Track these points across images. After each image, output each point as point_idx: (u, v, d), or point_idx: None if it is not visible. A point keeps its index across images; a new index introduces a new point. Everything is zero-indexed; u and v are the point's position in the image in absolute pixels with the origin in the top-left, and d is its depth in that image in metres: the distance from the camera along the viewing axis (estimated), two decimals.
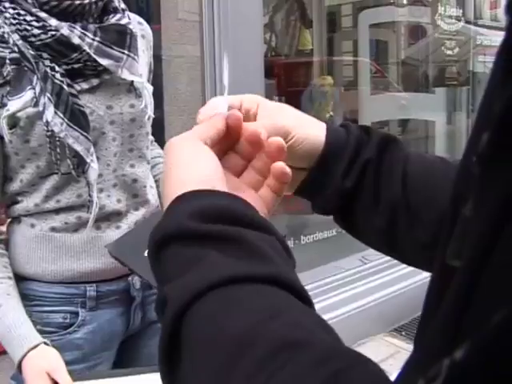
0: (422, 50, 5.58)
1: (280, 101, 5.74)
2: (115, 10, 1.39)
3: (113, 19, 1.36)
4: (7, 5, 1.28)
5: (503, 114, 0.31)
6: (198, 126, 0.65)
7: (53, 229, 1.35)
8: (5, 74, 1.26)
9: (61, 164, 1.28)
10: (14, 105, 1.26)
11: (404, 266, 2.84)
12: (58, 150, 1.27)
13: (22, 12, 1.26)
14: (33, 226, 1.36)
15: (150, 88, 1.47)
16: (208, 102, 0.72)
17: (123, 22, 1.37)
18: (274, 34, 6.43)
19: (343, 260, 3.83)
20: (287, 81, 6.15)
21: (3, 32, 1.27)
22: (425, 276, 3.69)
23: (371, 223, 0.73)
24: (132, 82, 1.37)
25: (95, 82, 1.33)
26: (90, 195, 1.30)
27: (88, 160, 1.27)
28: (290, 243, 3.51)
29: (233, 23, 2.65)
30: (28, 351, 1.23)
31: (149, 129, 1.46)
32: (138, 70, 1.39)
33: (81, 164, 1.28)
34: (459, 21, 4.91)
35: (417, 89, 5.56)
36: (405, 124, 5.50)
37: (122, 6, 1.43)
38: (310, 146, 0.71)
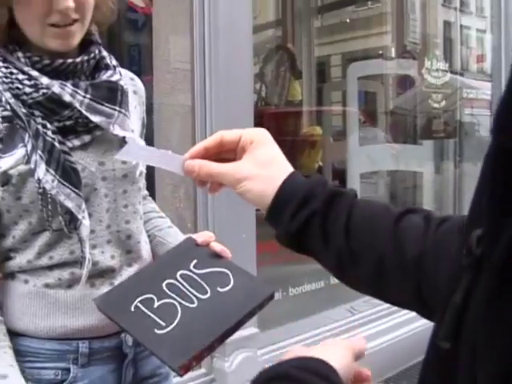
0: (410, 100, 5.64)
1: None
2: (107, 67, 1.40)
3: (104, 76, 1.37)
4: (0, 64, 1.29)
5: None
6: None
7: (46, 285, 1.34)
8: None
9: (52, 221, 1.28)
10: (5, 162, 1.26)
11: (393, 317, 2.82)
12: (50, 206, 1.26)
13: (15, 71, 1.27)
14: (26, 282, 1.34)
15: (142, 143, 1.47)
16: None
17: (114, 78, 1.38)
18: (263, 84, 6.51)
19: (332, 311, 3.82)
20: (276, 130, 6.19)
21: None
22: (413, 327, 3.69)
23: (323, 261, 0.87)
24: (124, 137, 1.37)
25: (87, 138, 1.34)
26: (82, 251, 1.29)
27: (79, 217, 1.27)
28: (278, 295, 3.51)
29: (224, 73, 2.68)
30: None
31: (142, 184, 1.47)
32: (129, 125, 1.39)
33: (72, 221, 1.27)
34: (446, 73, 4.99)
35: (405, 140, 5.62)
36: (393, 174, 5.53)
37: (114, 62, 1.43)
38: (255, 198, 0.88)
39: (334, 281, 3.76)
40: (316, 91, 8.09)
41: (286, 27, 8.24)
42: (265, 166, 0.89)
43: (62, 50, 1.30)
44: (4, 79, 1.27)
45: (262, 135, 0.92)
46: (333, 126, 7.05)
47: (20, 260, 1.34)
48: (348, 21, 11.54)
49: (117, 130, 1.35)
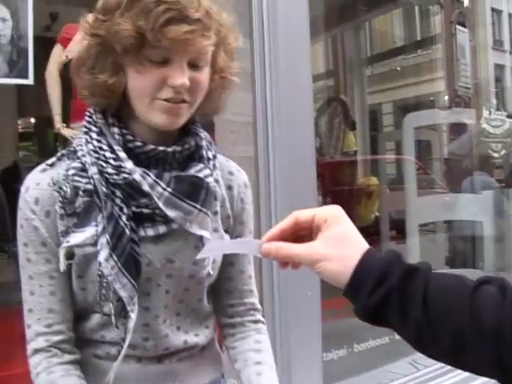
0: (464, 146, 5.61)
1: (324, 201, 5.79)
2: (200, 159, 1.34)
3: (193, 170, 1.31)
4: (94, 136, 1.28)
5: None
6: None
7: (95, 355, 1.35)
8: (76, 205, 1.26)
9: (104, 305, 1.26)
10: (75, 238, 1.24)
11: (457, 372, 2.75)
12: (104, 291, 1.25)
13: (105, 147, 1.26)
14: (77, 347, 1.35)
15: (226, 237, 1.41)
16: None
17: (202, 174, 1.31)
18: (318, 135, 6.53)
19: (396, 364, 3.76)
20: (332, 180, 6.20)
21: (85, 162, 1.27)
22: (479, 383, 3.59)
23: (401, 333, 0.89)
24: (202, 237, 1.32)
25: (162, 229, 1.29)
26: (123, 340, 1.28)
27: (129, 308, 1.25)
28: (343, 351, 3.48)
29: (286, 123, 2.71)
30: None
31: (207, 283, 1.41)
32: (209, 224, 1.34)
33: (123, 310, 1.25)
34: (505, 121, 4.94)
35: (462, 188, 5.55)
36: (451, 224, 5.47)
37: (210, 153, 1.38)
38: (333, 278, 0.91)
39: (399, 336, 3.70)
40: (370, 140, 8.12)
41: (338, 78, 8.33)
42: (340, 245, 0.91)
43: (166, 127, 1.26)
44: (93, 153, 1.27)
45: (336, 213, 0.94)
46: (388, 174, 7.03)
47: (75, 330, 1.34)
48: (398, 68, 11.61)
49: (194, 228, 1.30)
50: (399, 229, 5.78)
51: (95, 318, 1.31)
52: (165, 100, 1.23)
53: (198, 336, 1.43)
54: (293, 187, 2.69)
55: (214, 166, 1.37)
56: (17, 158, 6.50)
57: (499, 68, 8.74)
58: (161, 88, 1.22)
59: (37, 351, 1.28)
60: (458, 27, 5.90)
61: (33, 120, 9.84)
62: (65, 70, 3.62)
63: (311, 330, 2.68)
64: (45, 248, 1.27)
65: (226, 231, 1.43)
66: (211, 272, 1.36)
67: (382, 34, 11.28)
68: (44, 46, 3.62)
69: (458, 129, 5.79)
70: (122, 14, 1.19)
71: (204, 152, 1.36)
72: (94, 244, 1.24)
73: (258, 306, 1.56)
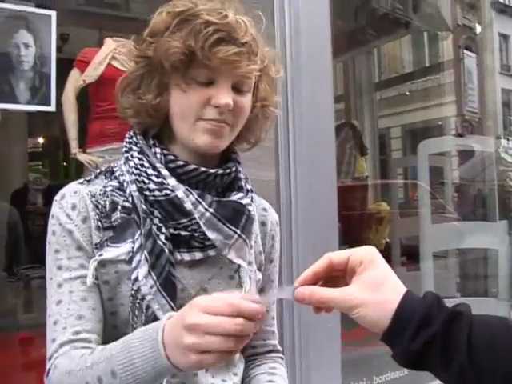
0: (474, 171, 5.59)
1: None
2: (239, 189, 1.34)
3: (234, 197, 1.31)
4: (135, 154, 1.28)
5: None
6: None
7: None
8: (113, 219, 1.25)
9: (136, 327, 1.18)
10: (109, 252, 1.23)
11: None
12: (137, 312, 1.21)
13: (146, 164, 1.26)
14: None
15: (257, 278, 1.40)
16: None
17: (244, 201, 1.31)
18: None
19: None
20: (342, 205, 6.14)
21: (124, 180, 1.27)
22: None
23: (443, 378, 0.87)
24: (237, 268, 1.31)
25: (198, 256, 1.27)
26: None
27: None
28: (363, 383, 3.44)
29: (307, 146, 2.68)
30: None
31: None
32: (247, 254, 1.32)
33: None
34: None
35: (477, 216, 5.53)
36: (466, 252, 5.42)
37: (248, 186, 1.38)
38: (370, 324, 0.88)
39: None
40: (380, 165, 8.10)
41: (348, 102, 8.33)
42: (377, 290, 0.89)
43: (208, 149, 1.27)
44: (134, 170, 1.26)
45: (371, 255, 0.92)
46: (399, 201, 7.01)
47: None
48: (407, 93, 11.61)
49: (231, 255, 1.28)
50: (410, 256, 5.75)
51: None
52: (208, 120, 1.23)
53: (225, 382, 1.36)
54: (314, 211, 2.67)
55: (252, 199, 1.37)
56: (27, 179, 6.48)
57: (506, 92, 8.77)
58: (205, 108, 1.23)
59: (56, 358, 1.19)
60: (465, 52, 5.92)
61: (41, 140, 9.86)
62: (81, 95, 3.63)
63: (331, 362, 2.64)
64: (80, 252, 1.24)
65: (259, 269, 1.42)
66: None
67: (392, 58, 11.31)
68: (56, 65, 3.64)
69: (466, 154, 5.79)
70: (172, 34, 1.21)
71: (243, 183, 1.36)
72: (129, 262, 1.22)
73: (279, 347, 1.54)
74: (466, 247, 5.19)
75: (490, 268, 5.26)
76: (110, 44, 3.68)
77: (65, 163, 8.25)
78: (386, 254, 6.03)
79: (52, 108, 2.30)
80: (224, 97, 1.22)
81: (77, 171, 3.96)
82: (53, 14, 2.28)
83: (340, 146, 6.52)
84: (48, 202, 6.00)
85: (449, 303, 0.89)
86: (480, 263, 5.42)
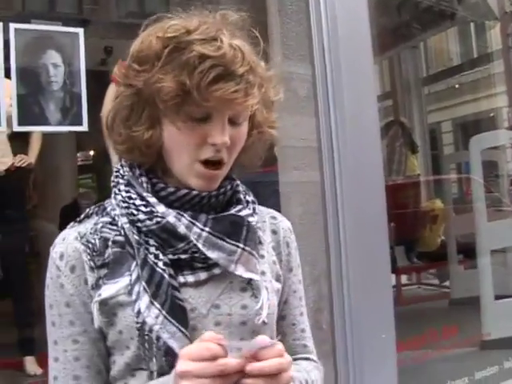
0: None
1: (388, 226, 5.65)
2: (238, 202, 1.28)
3: (232, 210, 1.25)
4: (122, 187, 1.23)
5: None
6: None
7: None
8: (105, 256, 1.20)
9: (150, 361, 1.14)
10: (107, 290, 1.17)
11: None
12: (147, 345, 1.14)
13: (134, 196, 1.21)
14: None
15: (275, 287, 1.31)
16: None
17: (242, 213, 1.25)
18: None
19: None
20: (395, 204, 6.06)
21: (115, 214, 1.22)
22: None
23: None
24: (249, 280, 1.23)
25: (203, 275, 1.20)
26: None
27: None
28: None
29: (352, 146, 2.62)
30: None
31: (266, 335, 1.18)
32: (256, 266, 1.24)
33: (175, 364, 1.09)
34: None
35: None
36: None
37: (249, 198, 1.33)
38: None
39: (479, 376, 3.57)
40: (432, 161, 7.97)
41: (396, 99, 8.22)
42: None
43: (201, 190, 1.21)
44: (122, 203, 1.20)
45: None
46: (452, 194, 6.88)
47: None
48: (456, 86, 11.44)
49: (240, 271, 1.20)
50: (467, 254, 5.62)
51: (141, 378, 1.17)
52: (204, 161, 1.17)
53: None
54: (361, 212, 2.62)
55: (254, 209, 1.30)
56: (76, 194, 6.55)
57: None
58: (201, 146, 1.17)
59: None
60: None
61: (92, 153, 9.98)
62: None
63: (387, 373, 2.57)
64: (69, 309, 1.20)
65: (277, 280, 1.33)
66: (266, 320, 1.22)
67: (438, 51, 11.15)
68: (99, 79, 3.64)
69: None
70: (162, 66, 1.13)
71: (242, 196, 1.30)
72: (129, 294, 1.16)
73: (314, 358, 1.43)
74: None
75: None
76: None
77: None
78: (442, 252, 5.92)
79: (84, 128, 2.28)
80: (221, 135, 1.16)
81: None
82: (80, 31, 2.25)
83: (390, 145, 6.43)
84: None
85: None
86: None
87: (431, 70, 11.38)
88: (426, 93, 9.33)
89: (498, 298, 4.51)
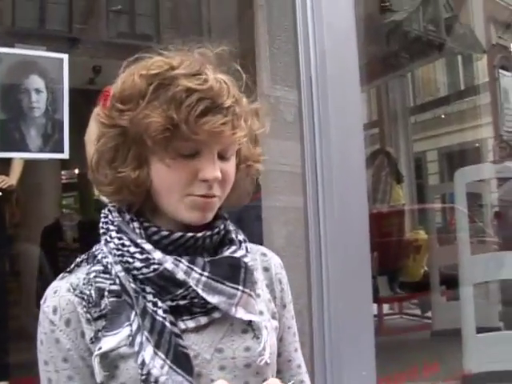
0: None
1: (371, 255, 5.65)
2: (231, 242, 1.27)
3: (227, 252, 1.24)
4: (113, 234, 1.20)
5: None
6: None
7: None
8: (102, 307, 1.16)
9: None
10: (107, 342, 1.13)
11: None
12: None
13: (127, 243, 1.18)
14: None
15: (273, 325, 1.30)
16: None
17: (238, 254, 1.24)
18: None
19: None
20: (378, 233, 6.07)
21: (107, 262, 1.19)
22: None
23: None
24: (250, 321, 1.22)
25: (203, 320, 1.19)
26: None
27: None
28: None
29: (336, 171, 2.61)
30: None
31: (267, 375, 1.23)
32: (255, 307, 1.24)
33: None
34: None
35: None
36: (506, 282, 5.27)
37: (240, 237, 1.31)
38: None
39: None
40: (417, 190, 8.00)
41: (382, 128, 8.26)
42: None
43: (195, 223, 1.19)
44: (115, 251, 1.17)
45: None
46: (436, 223, 6.90)
47: None
48: (442, 116, 11.52)
49: (240, 313, 1.19)
50: (449, 285, 5.62)
51: None
52: (197, 196, 1.15)
53: None
54: (344, 238, 2.58)
55: (247, 248, 1.28)
56: (59, 214, 6.50)
57: None
58: (191, 183, 1.16)
59: None
60: (501, 71, 5.85)
61: (76, 171, 9.93)
62: None
63: None
64: (66, 364, 1.16)
65: (274, 317, 1.32)
66: (268, 361, 1.21)
67: (426, 82, 11.23)
68: (88, 98, 3.61)
69: (506, 178, 5.66)
70: (149, 103, 1.12)
71: (234, 235, 1.28)
72: (131, 345, 1.12)
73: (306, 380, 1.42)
74: (507, 278, 5.03)
75: None
76: None
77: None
78: (425, 282, 5.92)
79: (65, 155, 2.25)
80: (212, 170, 1.15)
81: None
82: (65, 56, 2.22)
83: (375, 174, 6.45)
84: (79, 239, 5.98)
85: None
86: None
87: (418, 99, 11.45)
88: (412, 122, 9.39)
89: (479, 330, 4.51)
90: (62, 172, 8.89)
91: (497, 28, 7.28)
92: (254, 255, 1.33)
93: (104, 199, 3.70)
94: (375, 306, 5.67)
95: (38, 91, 2.19)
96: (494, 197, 6.12)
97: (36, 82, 2.19)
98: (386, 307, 6.57)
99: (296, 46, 2.63)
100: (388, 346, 3.92)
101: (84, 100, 3.44)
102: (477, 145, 7.38)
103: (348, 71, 2.71)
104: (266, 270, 1.36)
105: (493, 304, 5.51)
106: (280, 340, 1.35)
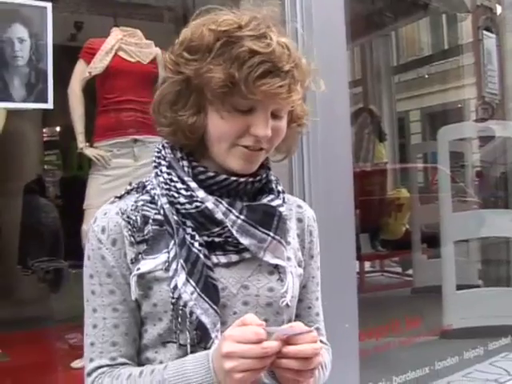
0: (494, 153, 5.49)
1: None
2: (270, 191, 1.36)
3: (265, 200, 1.33)
4: (164, 169, 1.31)
5: None
6: None
7: None
8: (145, 232, 1.28)
9: (180, 334, 1.23)
10: (146, 265, 1.25)
11: None
12: (180, 319, 1.22)
13: (175, 178, 1.28)
14: None
15: (298, 272, 1.39)
16: None
17: (274, 203, 1.33)
18: None
19: None
20: (361, 190, 6.10)
21: (155, 194, 1.30)
22: None
23: None
24: (276, 265, 1.31)
25: (234, 258, 1.29)
26: None
27: (213, 335, 1.21)
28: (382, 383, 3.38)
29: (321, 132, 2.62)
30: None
31: (286, 316, 1.34)
32: (283, 253, 1.32)
33: (204, 339, 1.22)
34: None
35: (503, 204, 5.41)
36: (486, 240, 5.33)
37: (280, 188, 1.40)
38: None
39: (439, 366, 3.61)
40: (399, 150, 8.02)
41: (366, 86, 8.23)
42: None
43: (240, 172, 1.28)
44: (163, 185, 1.29)
45: None
46: (418, 182, 6.93)
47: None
48: (426, 76, 11.50)
49: (267, 257, 1.29)
50: (431, 243, 5.67)
51: (171, 349, 1.27)
52: (244, 147, 1.24)
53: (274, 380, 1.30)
54: (329, 195, 2.65)
55: (284, 199, 1.38)
56: (41, 171, 6.44)
57: None
58: (242, 135, 1.23)
59: (98, 378, 1.27)
60: (485, 33, 5.83)
61: (58, 129, 9.83)
62: (88, 87, 3.54)
63: (349, 363, 2.58)
64: (110, 279, 1.28)
65: (299, 265, 1.42)
66: (289, 303, 1.31)
67: (410, 41, 11.18)
68: (69, 54, 3.58)
69: (487, 138, 5.71)
70: (214, 58, 1.19)
71: (274, 185, 1.38)
72: (166, 270, 1.24)
73: (326, 342, 1.52)
74: (487, 236, 5.09)
75: None
76: (116, 34, 3.56)
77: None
78: (406, 241, 5.97)
79: (49, 105, 2.23)
80: (263, 127, 1.22)
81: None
82: (48, 5, 2.18)
83: (358, 132, 6.45)
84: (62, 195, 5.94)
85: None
86: (502, 249, 5.33)
87: (402, 59, 11.41)
88: (396, 81, 9.36)
89: (460, 288, 4.58)
90: (44, 130, 8.82)
91: None
92: (290, 206, 1.44)
93: (88, 153, 3.66)
94: (357, 263, 5.72)
95: (21, 40, 2.16)
96: (475, 157, 6.17)
97: (19, 30, 2.16)
98: (367, 265, 6.62)
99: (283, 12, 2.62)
100: (370, 303, 3.96)
101: (66, 56, 3.40)
102: (459, 105, 7.38)
103: (334, 28, 2.71)
104: (300, 220, 1.45)
105: (473, 262, 5.59)
106: (303, 287, 1.44)
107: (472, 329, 4.20)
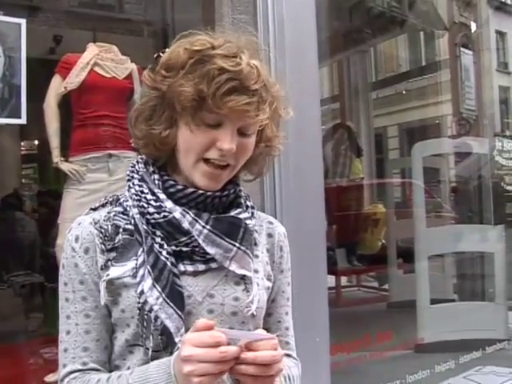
0: (470, 169, 5.54)
1: (330, 228, 5.72)
2: (238, 205, 1.41)
3: (232, 212, 1.38)
4: (136, 182, 1.37)
5: None
6: None
7: None
8: (116, 241, 1.33)
9: (146, 339, 1.27)
10: (114, 271, 1.30)
11: None
12: (145, 323, 1.26)
13: (146, 190, 1.34)
14: None
15: (266, 285, 1.43)
16: None
17: (242, 216, 1.38)
18: (324, 162, 6.42)
19: None
20: (338, 205, 6.14)
21: (127, 205, 1.36)
22: None
23: None
24: (243, 275, 1.35)
25: (201, 267, 1.33)
26: None
27: (177, 340, 1.24)
28: None
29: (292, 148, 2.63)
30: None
31: (252, 326, 1.37)
32: (250, 264, 1.37)
33: (169, 344, 1.26)
34: None
35: (478, 220, 5.45)
36: (461, 255, 5.37)
37: (249, 203, 1.45)
38: None
39: (410, 379, 3.64)
40: (376, 165, 8.06)
41: (343, 102, 8.28)
42: None
43: (205, 189, 1.33)
44: (135, 196, 1.35)
45: None
46: (395, 198, 6.97)
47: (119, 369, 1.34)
48: (404, 92, 11.59)
49: (233, 267, 1.34)
50: (406, 258, 5.70)
51: (138, 355, 1.31)
52: (209, 161, 1.29)
53: None
54: (300, 211, 2.64)
55: (253, 213, 1.43)
56: (19, 185, 6.44)
57: (503, 90, 8.75)
58: (209, 148, 1.29)
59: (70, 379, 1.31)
60: (462, 49, 5.90)
61: (36, 142, 9.80)
62: (64, 102, 3.55)
63: (320, 377, 2.59)
64: (82, 286, 1.33)
65: (268, 279, 1.45)
66: (254, 313, 1.35)
67: (388, 57, 11.27)
68: (48, 68, 3.60)
69: (463, 154, 5.74)
70: (185, 74, 1.25)
71: (243, 200, 1.43)
72: (133, 276, 1.29)
73: (294, 356, 1.54)
74: (461, 251, 5.14)
75: (487, 269, 5.21)
76: (92, 49, 3.58)
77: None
78: (383, 256, 6.00)
79: (22, 121, 2.24)
80: (228, 142, 1.27)
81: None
82: (22, 22, 2.21)
83: (335, 148, 6.49)
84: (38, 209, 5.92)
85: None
86: (476, 264, 5.37)
87: (380, 75, 11.51)
88: (373, 97, 9.43)
89: (435, 302, 4.60)
90: (22, 143, 8.81)
91: (459, 6, 7.32)
92: (261, 222, 1.49)
93: (63, 167, 3.66)
94: (333, 278, 5.74)
95: None
96: (451, 173, 6.22)
97: None
98: (343, 279, 6.64)
99: (255, 16, 2.64)
100: (344, 317, 3.99)
101: (44, 69, 3.41)
102: (437, 121, 7.45)
103: (306, 47, 2.73)
104: (270, 236, 1.50)
105: (448, 277, 5.63)
106: (272, 301, 1.48)
107: (445, 343, 4.23)
